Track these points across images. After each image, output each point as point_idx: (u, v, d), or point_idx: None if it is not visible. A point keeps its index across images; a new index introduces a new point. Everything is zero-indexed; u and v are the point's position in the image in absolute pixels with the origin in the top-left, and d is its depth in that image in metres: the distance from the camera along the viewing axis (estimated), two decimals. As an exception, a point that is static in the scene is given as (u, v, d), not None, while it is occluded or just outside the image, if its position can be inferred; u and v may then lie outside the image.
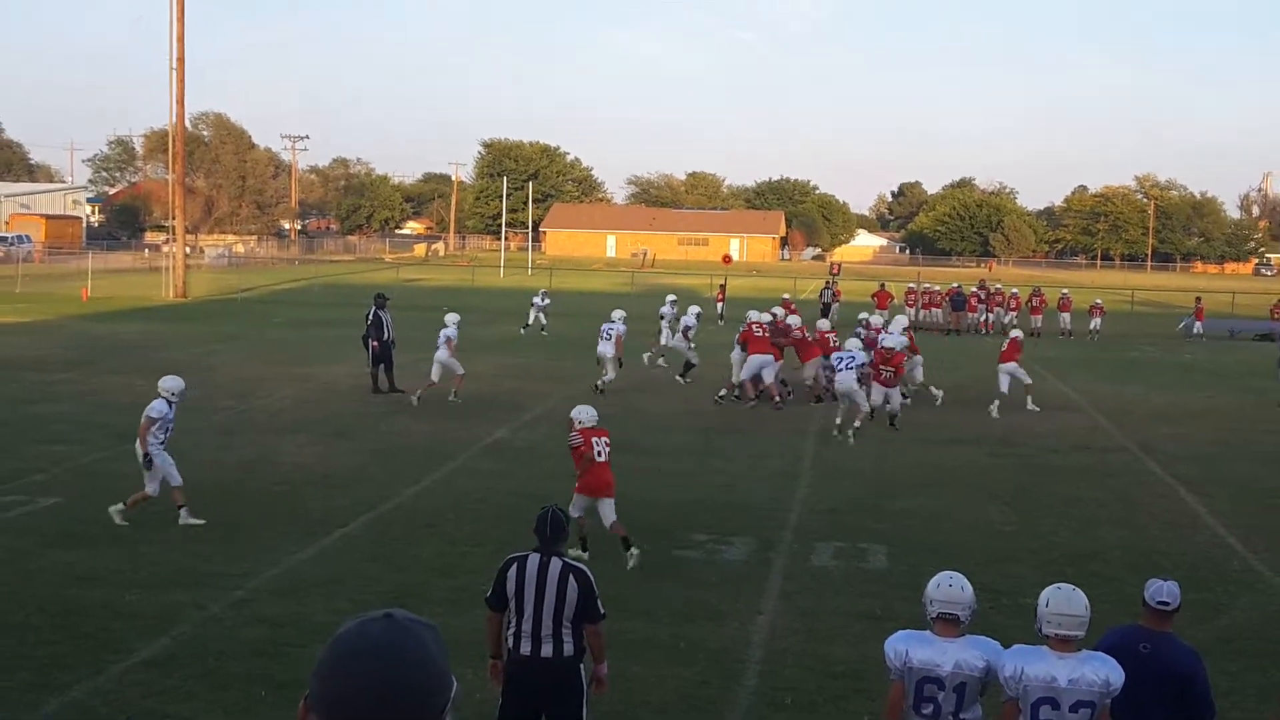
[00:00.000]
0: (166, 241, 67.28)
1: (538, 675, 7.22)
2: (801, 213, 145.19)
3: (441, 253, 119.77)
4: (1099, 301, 45.02)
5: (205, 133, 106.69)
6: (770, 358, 23.92)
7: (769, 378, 23.89)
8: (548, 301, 39.48)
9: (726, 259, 65.87)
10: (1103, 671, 5.81)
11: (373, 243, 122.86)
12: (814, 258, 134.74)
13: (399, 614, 2.24)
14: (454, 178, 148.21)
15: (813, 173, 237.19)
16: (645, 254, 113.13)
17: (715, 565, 12.92)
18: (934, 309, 45.92)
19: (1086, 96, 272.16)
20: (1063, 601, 5.93)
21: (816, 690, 9.52)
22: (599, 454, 13.01)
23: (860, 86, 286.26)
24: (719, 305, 46.10)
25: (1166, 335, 44.84)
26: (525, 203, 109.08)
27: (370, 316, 24.77)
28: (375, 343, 24.38)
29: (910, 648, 6.12)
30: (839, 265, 59.95)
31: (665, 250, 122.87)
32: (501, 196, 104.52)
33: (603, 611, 7.42)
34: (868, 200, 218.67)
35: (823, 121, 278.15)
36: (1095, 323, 43.49)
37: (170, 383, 14.10)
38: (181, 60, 50.20)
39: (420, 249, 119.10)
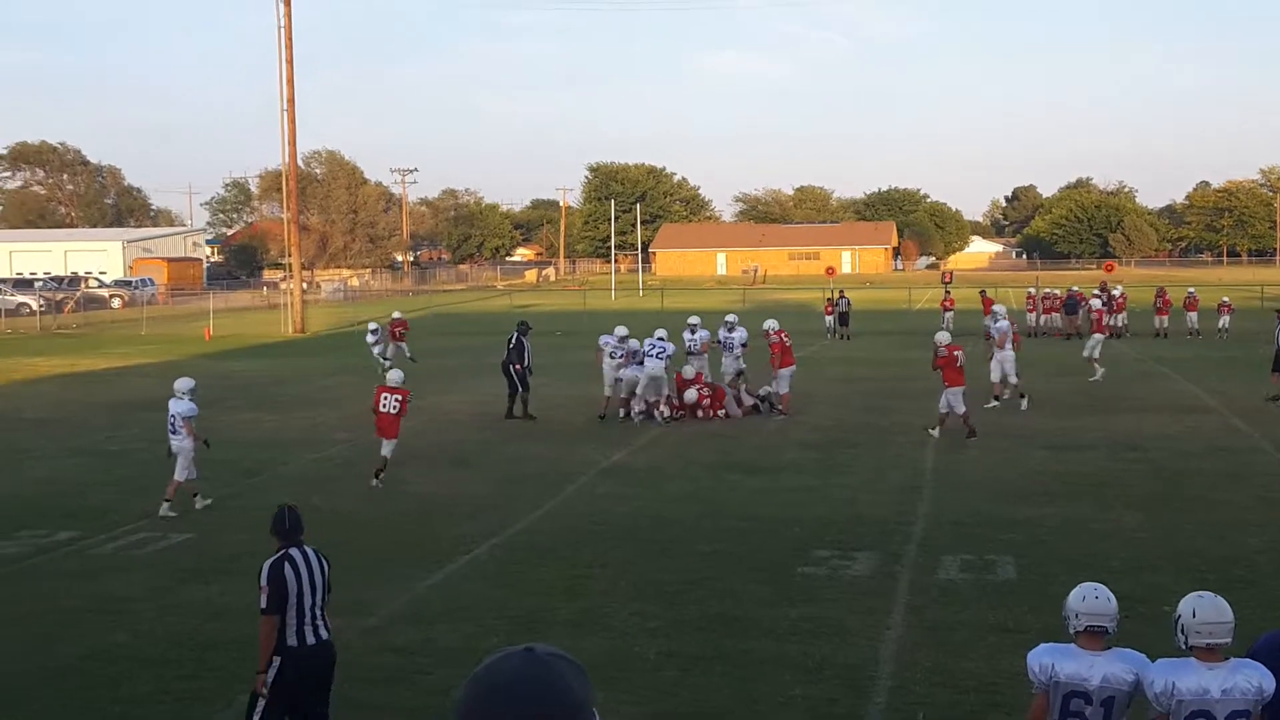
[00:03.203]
0: (284, 278, 68.72)
1: (322, 658, 7.91)
2: (913, 222, 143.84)
3: (552, 278, 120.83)
4: (1226, 299, 43.79)
5: (318, 170, 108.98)
6: (794, 367, 24.72)
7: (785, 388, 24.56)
8: (376, 329, 34.85)
9: (830, 271, 65.55)
10: (1255, 678, 5.58)
11: (484, 271, 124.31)
12: (928, 266, 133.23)
13: (540, 648, 2.21)
14: (562, 203, 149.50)
15: (923, 181, 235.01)
16: (756, 270, 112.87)
17: (840, 581, 12.74)
18: (1054, 314, 45.09)
19: (1207, 89, 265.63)
20: (1210, 610, 5.69)
21: (949, 705, 9.31)
22: (384, 407, 17.82)
23: (967, 91, 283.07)
24: (828, 319, 45.74)
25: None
26: (634, 225, 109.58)
27: (513, 342, 24.84)
28: (518, 366, 24.49)
29: (1056, 661, 5.92)
30: (951, 274, 59.26)
31: (776, 266, 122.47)
32: (610, 219, 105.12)
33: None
34: (981, 206, 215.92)
35: (931, 129, 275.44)
36: (1224, 321, 42.26)
37: (184, 383, 16.89)
38: (292, 101, 51.36)
39: (531, 275, 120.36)
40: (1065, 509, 15.82)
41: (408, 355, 33.89)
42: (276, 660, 7.76)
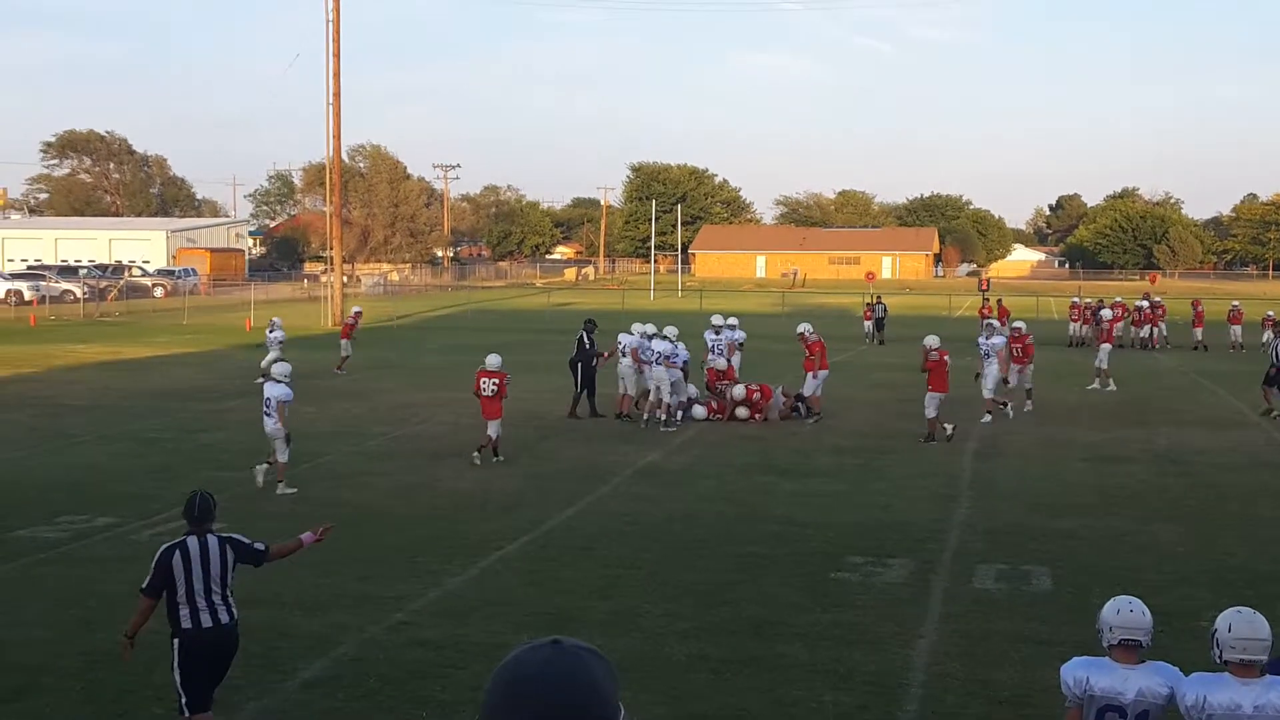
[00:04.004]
0: (324, 271, 69.13)
1: (221, 641, 8.14)
2: (955, 229, 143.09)
3: (591, 277, 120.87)
4: (1271, 313, 43.29)
5: (361, 164, 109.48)
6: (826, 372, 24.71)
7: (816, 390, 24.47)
8: (279, 334, 30.77)
9: (870, 276, 65.39)
10: (1289, 696, 5.51)
11: (523, 268, 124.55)
12: (969, 273, 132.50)
13: (567, 641, 2.22)
14: (603, 202, 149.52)
15: (966, 188, 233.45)
16: (795, 274, 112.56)
17: (873, 588, 12.68)
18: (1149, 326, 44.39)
19: (1256, 101, 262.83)
20: (1245, 626, 5.63)
21: (981, 716, 9.25)
22: (483, 390, 19.26)
23: (1012, 98, 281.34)
24: (867, 324, 45.57)
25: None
26: (674, 225, 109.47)
27: (585, 341, 24.77)
28: (596, 362, 24.59)
29: (1091, 675, 5.87)
30: (988, 281, 58.95)
31: (816, 270, 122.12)
32: (650, 220, 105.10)
33: (260, 547, 8.43)
34: (1024, 214, 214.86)
35: (975, 136, 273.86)
36: (1267, 335, 41.71)
37: (282, 367, 17.76)
38: (338, 96, 51.64)
39: (570, 273, 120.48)
40: (1103, 521, 15.68)
41: (343, 355, 32.47)
42: (177, 643, 8.11)
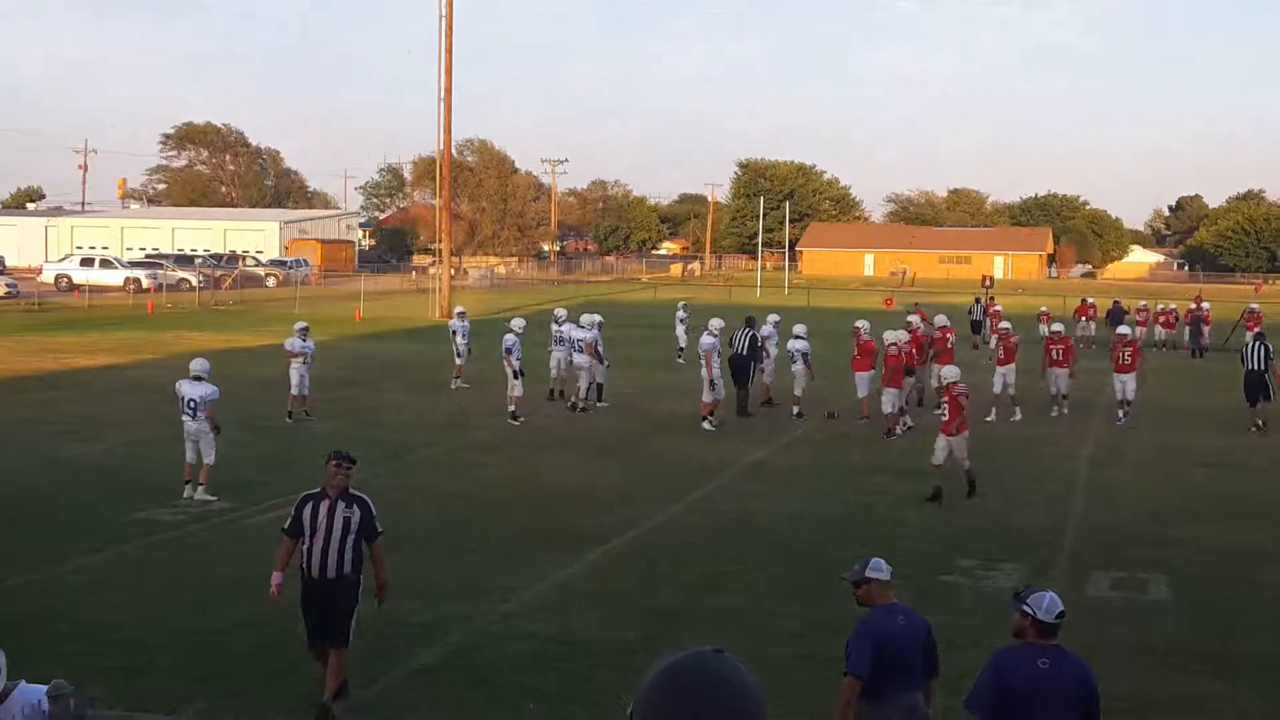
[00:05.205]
0: (432, 263, 69.82)
1: (325, 591, 9.10)
2: (1070, 229, 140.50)
3: (698, 273, 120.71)
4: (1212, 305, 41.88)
5: (470, 158, 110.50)
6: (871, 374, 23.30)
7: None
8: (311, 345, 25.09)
9: (988, 280, 64.46)
10: None
11: (629, 263, 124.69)
12: (1084, 275, 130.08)
13: (725, 652, 2.37)
14: (710, 198, 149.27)
15: (1083, 188, 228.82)
16: (904, 272, 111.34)
17: (983, 593, 12.46)
18: (1170, 329, 42.92)
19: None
20: None
21: (1097, 727, 9.01)
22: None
23: (1133, 98, 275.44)
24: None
25: None
26: (781, 222, 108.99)
27: (746, 338, 24.40)
28: (757, 362, 24.69)
29: None
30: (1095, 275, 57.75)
31: (925, 269, 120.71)
32: (758, 216, 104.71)
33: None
34: (1143, 215, 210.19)
35: (1093, 135, 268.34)
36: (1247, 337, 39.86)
37: (201, 364, 17.04)
38: (449, 91, 52.07)
39: (676, 269, 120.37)
40: (1223, 529, 15.27)
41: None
42: None
